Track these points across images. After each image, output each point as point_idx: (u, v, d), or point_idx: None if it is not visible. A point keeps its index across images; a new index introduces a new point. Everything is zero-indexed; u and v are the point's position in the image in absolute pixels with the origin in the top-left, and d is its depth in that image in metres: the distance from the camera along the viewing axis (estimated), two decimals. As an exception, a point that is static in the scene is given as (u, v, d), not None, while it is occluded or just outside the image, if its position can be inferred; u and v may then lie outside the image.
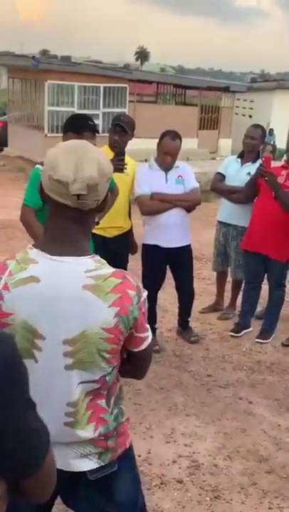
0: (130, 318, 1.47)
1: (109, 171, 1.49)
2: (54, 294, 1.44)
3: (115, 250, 4.22)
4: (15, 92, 17.83)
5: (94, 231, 3.60)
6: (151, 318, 4.61)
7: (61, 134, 3.38)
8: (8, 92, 18.51)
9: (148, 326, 1.58)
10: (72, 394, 1.50)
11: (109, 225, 4.10)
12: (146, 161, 17.87)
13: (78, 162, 1.43)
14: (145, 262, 4.53)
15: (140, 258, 4.61)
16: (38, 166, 3.29)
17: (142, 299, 1.51)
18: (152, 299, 4.59)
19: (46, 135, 15.25)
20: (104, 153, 1.54)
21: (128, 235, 4.48)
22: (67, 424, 1.51)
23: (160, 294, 4.85)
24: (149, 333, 1.59)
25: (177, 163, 4.33)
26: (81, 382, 1.49)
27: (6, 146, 17.71)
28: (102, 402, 1.55)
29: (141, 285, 1.54)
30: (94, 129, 3.25)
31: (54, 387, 1.49)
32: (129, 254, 4.71)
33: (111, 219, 3.95)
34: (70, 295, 1.43)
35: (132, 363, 1.61)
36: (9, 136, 17.69)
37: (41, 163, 3.24)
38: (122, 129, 4.14)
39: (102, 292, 1.44)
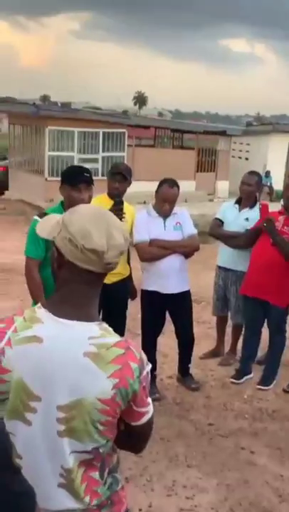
0: (129, 392, 1.43)
1: (127, 236, 1.53)
2: (54, 356, 1.41)
3: (115, 296, 4.21)
4: (16, 137, 18.16)
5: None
6: (151, 365, 4.56)
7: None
8: (9, 138, 18.84)
9: (150, 400, 1.52)
10: (67, 461, 1.45)
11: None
12: (144, 203, 17.99)
13: (108, 230, 1.45)
14: (145, 308, 4.51)
15: (140, 303, 4.59)
16: (36, 217, 3.30)
17: (145, 372, 1.47)
18: (152, 345, 4.55)
19: (46, 179, 15.45)
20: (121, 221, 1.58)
21: (127, 280, 4.47)
22: (61, 485, 1.46)
23: (160, 340, 4.79)
24: (150, 408, 1.52)
25: (175, 209, 4.36)
26: (73, 452, 1.44)
27: (7, 189, 17.92)
28: (96, 474, 1.49)
29: (145, 357, 1.49)
30: (89, 182, 3.29)
31: (48, 451, 1.44)
32: (129, 300, 4.70)
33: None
34: (70, 360, 1.40)
35: (130, 436, 1.54)
36: (10, 180, 17.92)
37: (40, 215, 3.28)
38: (122, 177, 4.19)
39: (102, 361, 1.41)
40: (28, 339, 1.43)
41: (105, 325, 1.48)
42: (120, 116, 18.66)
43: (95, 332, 1.44)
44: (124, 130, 16.67)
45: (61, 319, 1.44)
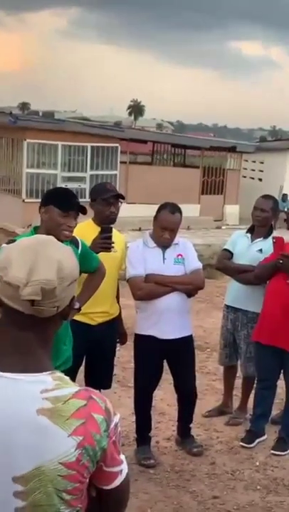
0: (97, 450, 1.43)
1: (72, 273, 1.51)
2: (1, 421, 1.41)
3: (100, 341, 4.21)
4: (-11, 151, 18.32)
5: (75, 317, 3.62)
6: (146, 425, 4.55)
7: (40, 200, 3.46)
8: (-20, 152, 19.02)
9: (122, 457, 1.52)
10: None
11: (92, 310, 4.09)
12: (140, 230, 17.99)
13: (34, 262, 1.46)
14: (138, 356, 4.50)
15: (132, 350, 4.58)
16: (3, 245, 3.32)
17: (113, 424, 1.47)
18: (147, 401, 4.54)
19: (24, 200, 15.56)
20: (69, 252, 1.56)
21: (116, 321, 4.47)
22: None
23: (156, 394, 4.76)
24: (124, 467, 1.52)
25: (177, 239, 4.39)
26: None
27: (-23, 212, 18.00)
28: None
29: (111, 407, 1.49)
30: (81, 210, 3.38)
31: None
32: (118, 345, 4.69)
33: (95, 303, 3.96)
34: (22, 422, 1.40)
35: (103, 503, 1.53)
36: (-19, 202, 18.01)
37: (8, 242, 3.30)
38: (115, 198, 4.24)
39: (61, 418, 1.40)
40: None
41: (59, 373, 1.48)
42: (112, 128, 18.92)
43: (48, 384, 1.44)
44: (116, 144, 16.88)
45: (5, 373, 1.44)
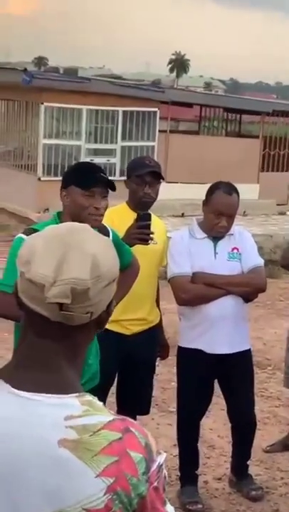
0: (132, 497, 1.40)
1: (110, 270, 1.50)
2: (14, 452, 1.40)
3: (136, 354, 4.23)
4: (-3, 117, 18.49)
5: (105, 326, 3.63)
6: (191, 460, 4.55)
7: (61, 179, 3.47)
8: (-13, 118, 19.20)
9: (169, 509, 1.49)
10: None
11: (127, 317, 4.11)
12: (182, 216, 18.11)
13: (63, 257, 1.45)
14: (182, 374, 4.50)
15: (174, 366, 4.57)
16: (20, 235, 3.35)
17: (155, 466, 1.44)
18: (193, 430, 4.53)
19: (40, 178, 15.66)
20: (107, 244, 1.55)
21: (155, 331, 4.49)
22: None
23: (204, 422, 4.75)
24: None
25: (232, 229, 4.37)
26: None
27: (-18, 193, 18.20)
28: None
29: (153, 444, 1.46)
30: (108, 184, 3.35)
31: None
32: (158, 359, 4.70)
33: (130, 308, 3.97)
34: (38, 454, 1.39)
35: None
36: (-13, 180, 18.21)
37: (26, 233, 3.30)
38: (153, 177, 4.24)
39: (88, 452, 1.39)
40: None
41: (89, 396, 1.47)
42: (149, 89, 18.86)
43: (75, 408, 1.43)
44: (154, 109, 16.87)
45: (22, 392, 1.44)
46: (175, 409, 4.67)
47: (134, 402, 4.33)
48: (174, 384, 4.71)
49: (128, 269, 3.71)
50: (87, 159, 14.85)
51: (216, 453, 5.14)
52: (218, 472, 4.90)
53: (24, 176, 16.39)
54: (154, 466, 1.44)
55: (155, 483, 1.44)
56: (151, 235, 3.97)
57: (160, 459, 1.46)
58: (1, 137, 18.18)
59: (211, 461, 5.03)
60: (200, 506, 4.39)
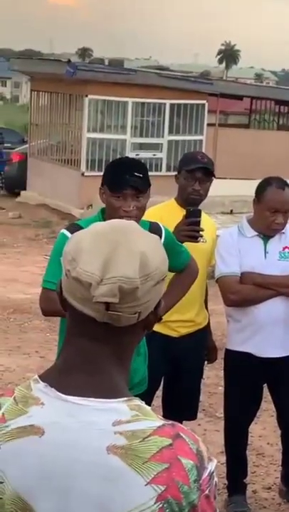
0: (184, 505, 1.39)
1: (159, 269, 1.49)
2: (63, 457, 1.41)
3: (183, 357, 4.23)
4: (40, 110, 18.64)
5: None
6: (240, 468, 4.53)
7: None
8: (30, 111, 19.37)
9: None
10: None
11: (174, 318, 4.09)
12: (231, 213, 17.96)
13: (110, 254, 1.45)
14: (229, 378, 4.48)
15: (222, 370, 4.56)
16: (64, 231, 3.38)
17: (206, 473, 1.43)
18: (241, 437, 4.51)
19: (83, 173, 15.77)
20: (156, 243, 1.55)
21: (203, 333, 4.48)
22: None
23: (253, 428, 4.73)
24: None
25: (286, 227, 4.34)
26: None
27: (24, 189, 18.36)
28: None
29: (205, 450, 1.45)
30: (139, 187, 3.32)
31: None
32: (206, 363, 4.69)
33: (178, 309, 3.95)
34: (86, 461, 1.39)
35: None
36: (29, 175, 18.38)
37: (70, 229, 3.34)
38: (204, 174, 4.23)
39: (137, 459, 1.38)
40: (23, 431, 1.43)
41: (138, 401, 1.46)
42: (198, 81, 18.86)
43: (123, 414, 1.43)
44: (203, 101, 16.86)
45: (69, 397, 1.44)
46: (222, 415, 4.65)
47: (180, 407, 4.32)
48: (222, 388, 4.69)
49: (185, 271, 3.71)
50: (133, 154, 14.88)
51: (266, 461, 5.12)
52: (268, 481, 4.88)
53: (67, 171, 16.50)
54: (206, 474, 1.43)
55: (207, 491, 1.44)
56: (200, 232, 3.96)
57: (211, 465, 1.45)
58: (44, 131, 18.32)
59: (260, 470, 5.00)
60: (248, 516, 4.38)
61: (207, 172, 4.23)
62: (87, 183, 14.75)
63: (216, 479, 1.47)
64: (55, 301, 3.65)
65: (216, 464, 1.47)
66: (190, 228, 3.88)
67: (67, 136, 17.12)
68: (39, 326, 8.14)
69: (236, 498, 4.46)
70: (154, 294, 1.49)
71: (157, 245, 1.55)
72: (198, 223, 3.93)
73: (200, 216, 3.96)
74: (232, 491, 4.50)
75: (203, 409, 5.68)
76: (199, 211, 3.99)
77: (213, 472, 1.45)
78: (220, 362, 4.63)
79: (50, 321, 7.44)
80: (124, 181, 3.30)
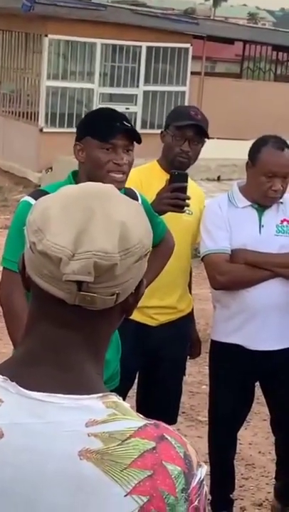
0: None
1: (142, 242, 1.48)
2: (26, 464, 1.42)
3: (162, 350, 4.26)
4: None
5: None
6: (226, 481, 4.57)
7: (69, 130, 3.50)
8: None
9: None
10: None
11: (152, 304, 4.12)
12: (218, 179, 17.95)
13: (84, 224, 1.44)
14: (216, 375, 4.52)
15: (206, 366, 4.61)
16: (26, 198, 3.39)
17: (195, 481, 1.44)
18: (228, 445, 4.55)
19: (42, 130, 15.66)
20: (138, 211, 1.55)
21: (186, 322, 4.51)
22: None
23: (242, 434, 4.78)
24: None
25: (284, 196, 4.36)
26: None
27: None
28: None
29: (193, 454, 1.47)
30: (133, 135, 3.35)
31: None
32: (188, 358, 4.73)
33: (156, 293, 3.99)
34: (56, 469, 1.40)
35: None
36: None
37: (34, 195, 3.34)
38: (196, 133, 4.25)
39: (115, 466, 1.39)
40: None
41: (115, 397, 1.48)
42: (180, 20, 18.76)
43: (98, 412, 1.44)
44: (186, 45, 16.80)
45: (34, 393, 1.45)
46: (206, 419, 4.68)
47: (157, 409, 4.28)
48: (206, 387, 4.72)
49: (160, 246, 3.71)
50: (101, 107, 14.80)
51: (256, 473, 5.17)
52: (259, 497, 4.92)
53: (22, 126, 16.39)
54: (195, 482, 1.44)
55: (196, 503, 1.44)
56: (187, 201, 3.93)
57: (201, 472, 1.46)
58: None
59: (250, 483, 5.05)
60: (235, 537, 4.44)
61: (200, 131, 4.23)
62: (47, 141, 14.70)
63: (206, 488, 1.48)
64: (14, 286, 3.67)
65: (206, 470, 1.48)
66: (174, 195, 3.86)
67: (22, 84, 16.98)
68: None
69: (221, 516, 4.51)
70: (135, 272, 1.48)
71: (140, 214, 1.54)
72: (184, 189, 3.90)
73: (186, 181, 3.94)
74: (217, 507, 4.51)
75: (184, 412, 5.71)
76: (186, 175, 3.97)
77: (203, 480, 1.46)
78: (204, 357, 4.66)
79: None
80: (116, 129, 3.31)
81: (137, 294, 1.53)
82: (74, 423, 1.42)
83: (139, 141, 3.37)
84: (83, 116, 3.95)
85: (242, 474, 5.01)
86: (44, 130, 15.51)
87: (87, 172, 3.34)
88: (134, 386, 4.47)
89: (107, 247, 1.42)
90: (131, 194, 3.48)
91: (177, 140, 4.20)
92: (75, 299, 1.44)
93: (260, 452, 5.33)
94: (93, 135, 3.33)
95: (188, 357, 4.68)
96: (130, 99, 16.28)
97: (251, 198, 4.34)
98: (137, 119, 15.77)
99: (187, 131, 4.19)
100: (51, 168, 13.97)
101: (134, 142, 3.37)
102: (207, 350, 4.57)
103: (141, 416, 1.48)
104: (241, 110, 16.33)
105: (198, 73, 17.34)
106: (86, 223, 1.43)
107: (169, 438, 1.44)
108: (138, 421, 1.45)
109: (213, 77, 19.07)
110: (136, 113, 15.97)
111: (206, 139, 4.35)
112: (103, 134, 3.31)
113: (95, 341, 1.51)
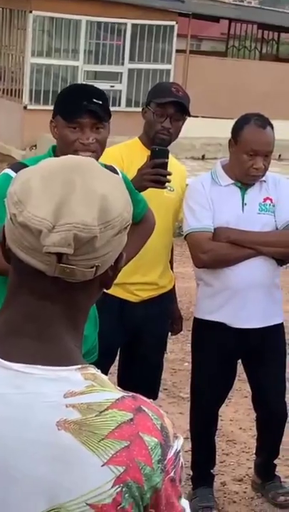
0: (145, 490, 1.42)
1: (122, 215, 1.50)
2: (4, 434, 1.43)
3: (143, 326, 4.27)
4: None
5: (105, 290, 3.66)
6: (207, 457, 4.60)
7: (52, 107, 3.50)
8: None
9: (184, 503, 1.51)
10: None
11: (133, 281, 4.14)
12: (203, 158, 17.93)
13: (64, 196, 1.45)
14: (198, 353, 4.54)
15: (188, 343, 4.62)
16: (6, 170, 3.39)
17: (172, 452, 1.46)
18: (209, 421, 4.58)
19: (26, 107, 15.60)
20: (118, 184, 1.56)
21: (168, 298, 4.53)
22: None
23: (223, 411, 4.80)
24: None
25: (266, 174, 4.36)
26: None
27: None
28: None
29: (170, 425, 1.49)
30: (100, 114, 3.32)
31: None
32: (170, 334, 4.76)
33: (138, 269, 4.01)
34: (33, 439, 1.42)
35: None
36: None
37: (14, 168, 3.34)
38: (177, 110, 4.24)
39: (93, 436, 1.41)
40: None
41: (93, 369, 1.49)
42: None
43: (77, 383, 1.45)
44: (171, 22, 16.72)
45: (13, 364, 1.46)
46: (188, 395, 4.69)
47: (138, 385, 4.29)
48: (188, 364, 4.73)
49: (141, 223, 3.70)
50: (75, 83, 14.71)
51: (237, 449, 5.18)
52: (239, 472, 4.94)
53: (6, 103, 16.30)
54: (171, 453, 1.46)
55: (172, 474, 1.46)
56: (168, 177, 3.91)
57: (177, 444, 1.48)
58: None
59: (231, 459, 5.06)
60: (215, 512, 4.45)
61: (181, 108, 4.22)
62: (31, 118, 14.62)
63: (182, 460, 1.49)
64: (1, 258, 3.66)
65: (182, 442, 1.50)
66: (155, 171, 3.84)
67: (6, 61, 16.87)
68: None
69: (202, 491, 4.51)
70: (114, 244, 1.49)
71: (120, 187, 1.56)
72: (165, 165, 3.88)
73: (167, 157, 3.91)
74: (197, 482, 4.55)
75: (165, 389, 5.73)
76: (167, 151, 3.95)
77: (179, 451, 1.48)
78: (186, 334, 4.66)
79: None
80: (81, 108, 3.28)
81: (116, 267, 1.54)
82: (52, 394, 1.43)
83: (107, 118, 3.34)
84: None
85: (223, 450, 5.03)
86: (28, 107, 15.45)
87: (60, 149, 3.34)
88: (116, 363, 4.49)
89: (87, 220, 1.43)
90: (111, 171, 3.48)
91: (158, 117, 4.19)
92: (55, 271, 1.44)
93: (240, 428, 5.35)
94: (61, 114, 3.33)
95: (169, 333, 4.71)
96: (115, 76, 16.19)
97: (234, 176, 4.34)
98: (122, 97, 15.71)
99: (168, 107, 4.18)
100: (35, 145, 13.94)
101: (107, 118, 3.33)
102: (190, 327, 4.58)
103: (119, 388, 1.49)
104: (226, 89, 16.29)
105: (184, 51, 17.27)
106: (66, 195, 1.44)
107: (146, 410, 1.46)
108: (116, 393, 1.47)
109: (198, 56, 19.01)
110: (121, 91, 15.90)
111: (188, 117, 4.34)
112: (69, 113, 3.30)
113: (73, 314, 1.52)
